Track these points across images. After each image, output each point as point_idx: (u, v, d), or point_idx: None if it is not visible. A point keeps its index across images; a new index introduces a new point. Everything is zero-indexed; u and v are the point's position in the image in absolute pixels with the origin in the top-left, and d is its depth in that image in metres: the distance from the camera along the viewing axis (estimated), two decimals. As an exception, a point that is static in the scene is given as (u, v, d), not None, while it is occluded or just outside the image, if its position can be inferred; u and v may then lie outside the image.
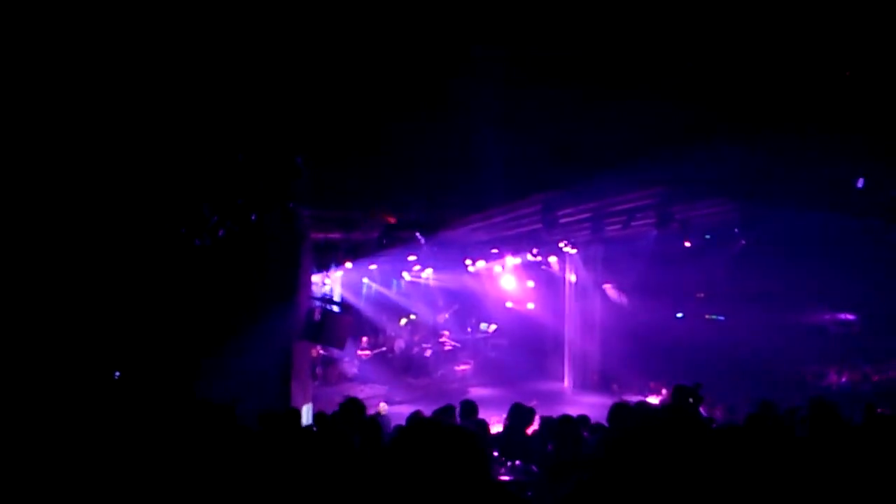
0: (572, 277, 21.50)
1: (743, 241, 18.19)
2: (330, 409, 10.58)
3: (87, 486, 4.75)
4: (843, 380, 17.96)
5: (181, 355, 11.07)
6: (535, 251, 18.93)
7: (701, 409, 9.73)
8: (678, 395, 8.87)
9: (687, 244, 17.86)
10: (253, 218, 10.77)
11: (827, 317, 20.06)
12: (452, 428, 2.63)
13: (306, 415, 12.47)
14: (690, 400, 8.99)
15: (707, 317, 21.60)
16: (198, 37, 7.45)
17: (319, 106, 8.93)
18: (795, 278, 17.92)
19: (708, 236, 18.00)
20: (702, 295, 21.56)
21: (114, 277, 10.77)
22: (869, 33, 7.73)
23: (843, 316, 19.99)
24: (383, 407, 13.45)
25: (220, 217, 10.54)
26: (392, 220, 13.41)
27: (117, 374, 10.63)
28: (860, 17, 7.42)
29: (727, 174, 11.61)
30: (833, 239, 16.02)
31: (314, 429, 9.77)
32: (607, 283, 21.66)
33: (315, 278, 16.12)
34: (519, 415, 8.73)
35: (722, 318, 21.30)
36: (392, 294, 22.05)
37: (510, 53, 7.99)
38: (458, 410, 9.43)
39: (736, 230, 17.48)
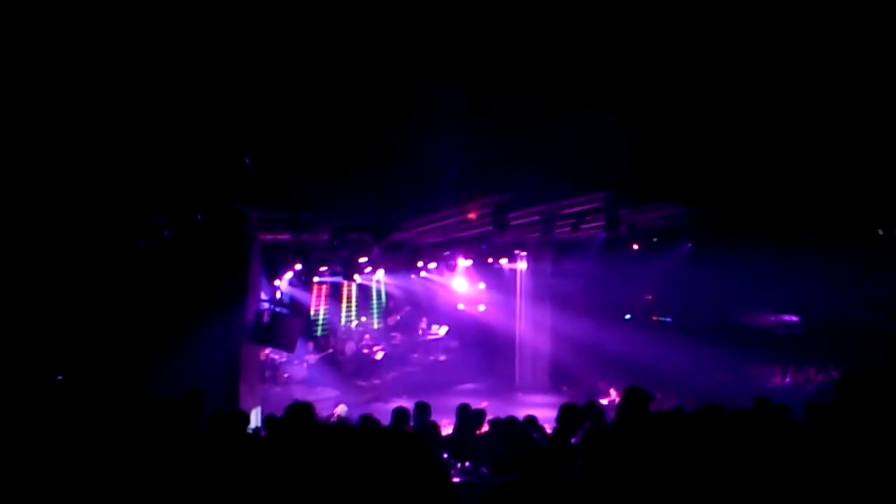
0: (523, 278, 21.61)
1: (689, 244, 18.47)
2: (280, 411, 10.48)
3: (30, 490, 4.64)
4: (788, 380, 18.32)
5: (125, 357, 10.87)
6: (489, 259, 19.07)
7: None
8: (630, 397, 8.92)
9: (635, 247, 18.11)
10: (198, 218, 10.61)
11: (771, 318, 20.41)
12: (401, 434, 2.60)
13: (255, 417, 12.34)
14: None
15: (654, 318, 21.87)
16: (144, 36, 7.32)
17: (268, 107, 8.84)
18: (740, 280, 18.23)
19: (655, 239, 18.25)
20: (650, 297, 21.82)
21: (55, 277, 10.53)
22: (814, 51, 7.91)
23: (786, 317, 20.37)
24: (342, 408, 13.38)
25: (164, 217, 10.37)
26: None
27: (59, 377, 10.39)
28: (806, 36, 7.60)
29: (671, 178, 11.80)
30: (776, 241, 16.36)
31: (262, 432, 9.69)
32: (557, 285, 21.81)
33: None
34: (467, 416, 8.76)
35: (669, 319, 21.58)
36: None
37: (462, 62, 8.02)
38: (411, 412, 9.42)
39: (682, 233, 17.75)
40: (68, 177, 9.35)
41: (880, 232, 14.47)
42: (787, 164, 11.06)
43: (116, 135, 8.92)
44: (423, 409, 9.39)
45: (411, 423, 9.24)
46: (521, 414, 9.53)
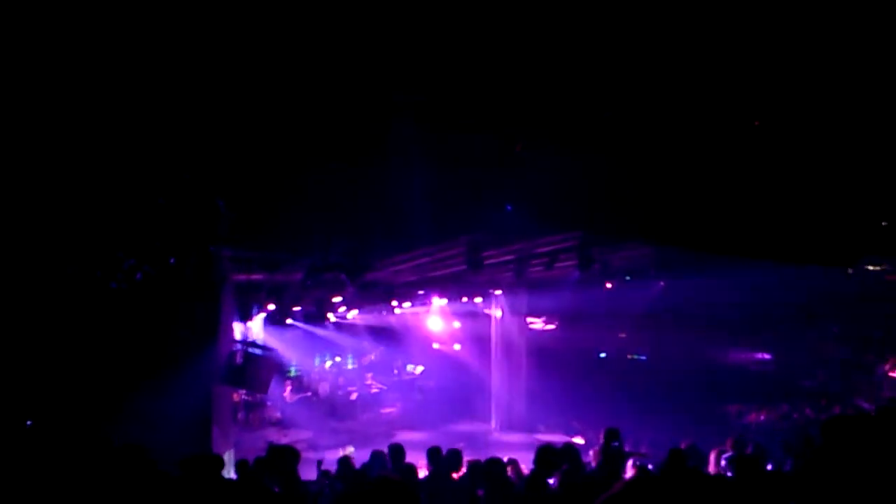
0: (498, 316, 21.60)
1: (662, 283, 18.59)
2: (252, 455, 10.33)
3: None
4: (763, 418, 18.39)
5: (95, 402, 10.70)
6: (464, 298, 19.08)
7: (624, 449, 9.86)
8: (609, 437, 8.97)
9: (608, 285, 18.18)
10: (171, 261, 10.55)
11: (744, 356, 20.55)
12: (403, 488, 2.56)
13: (228, 461, 12.14)
14: (615, 443, 9.16)
15: (629, 356, 21.94)
16: (117, 74, 7.31)
17: (241, 148, 8.84)
18: (713, 318, 18.37)
19: (628, 277, 18.36)
20: (624, 335, 21.90)
21: (23, 320, 10.38)
22: (780, 85, 8.05)
23: (759, 355, 20.51)
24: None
25: (137, 260, 10.29)
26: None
27: (28, 422, 10.19)
28: (771, 67, 7.74)
29: (642, 219, 11.91)
30: (747, 280, 16.51)
31: (234, 476, 9.53)
32: (532, 323, 21.83)
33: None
34: (440, 458, 8.68)
35: (644, 357, 21.65)
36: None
37: (431, 100, 8.08)
38: (386, 455, 9.32)
39: (654, 272, 17.86)
40: (39, 219, 9.26)
41: (850, 271, 14.67)
42: (758, 202, 11.20)
43: (88, 177, 8.86)
44: (397, 452, 9.28)
45: (389, 466, 9.14)
46: (498, 454, 9.45)
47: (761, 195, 10.76)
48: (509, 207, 12.29)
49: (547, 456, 7.76)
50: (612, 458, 8.52)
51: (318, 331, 20.24)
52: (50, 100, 7.57)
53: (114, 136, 8.22)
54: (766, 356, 20.43)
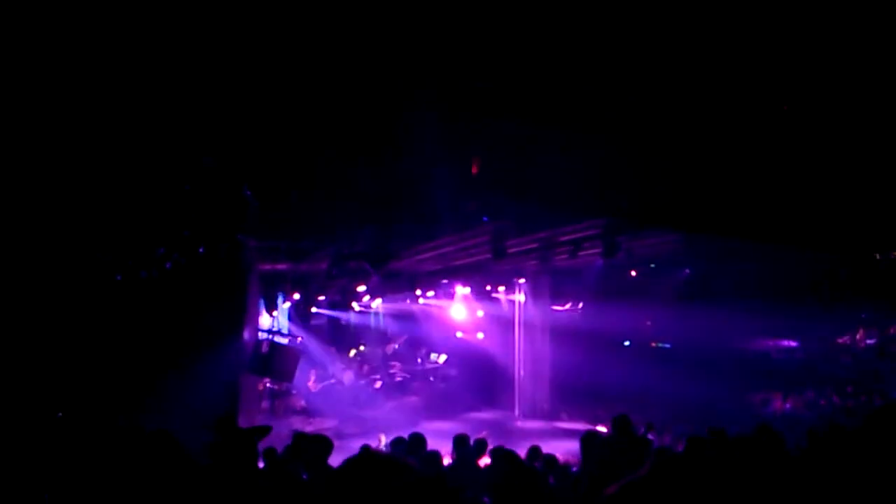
0: (521, 305, 21.58)
1: (687, 270, 18.49)
2: (279, 443, 10.42)
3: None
4: (788, 406, 18.25)
5: (123, 389, 10.82)
6: (487, 287, 19.08)
7: (649, 437, 9.83)
8: (619, 425, 8.84)
9: (633, 273, 18.11)
10: (201, 250, 10.65)
11: (770, 343, 20.38)
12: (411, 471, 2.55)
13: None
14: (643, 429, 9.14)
15: (653, 344, 21.83)
16: (145, 67, 7.39)
17: (267, 140, 8.90)
18: (738, 305, 18.24)
19: (653, 265, 18.27)
20: (648, 323, 21.80)
21: (55, 308, 10.53)
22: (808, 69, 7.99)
23: (785, 342, 20.33)
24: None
25: (167, 249, 10.40)
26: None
27: (59, 413, 10.32)
28: (799, 52, 7.68)
29: (667, 204, 11.86)
30: (773, 266, 16.39)
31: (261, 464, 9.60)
32: (556, 311, 21.78)
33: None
34: (465, 447, 8.71)
35: (668, 345, 21.54)
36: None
37: (453, 90, 8.10)
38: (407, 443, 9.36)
39: (680, 259, 17.78)
40: (71, 208, 9.38)
41: (877, 256, 14.52)
42: (783, 190, 11.12)
43: (120, 167, 8.96)
44: (419, 441, 9.29)
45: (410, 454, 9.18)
46: (521, 442, 9.49)
47: (786, 182, 10.68)
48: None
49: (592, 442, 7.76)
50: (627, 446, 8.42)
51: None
52: (81, 91, 7.67)
53: (145, 127, 8.31)
54: (792, 343, 20.24)
